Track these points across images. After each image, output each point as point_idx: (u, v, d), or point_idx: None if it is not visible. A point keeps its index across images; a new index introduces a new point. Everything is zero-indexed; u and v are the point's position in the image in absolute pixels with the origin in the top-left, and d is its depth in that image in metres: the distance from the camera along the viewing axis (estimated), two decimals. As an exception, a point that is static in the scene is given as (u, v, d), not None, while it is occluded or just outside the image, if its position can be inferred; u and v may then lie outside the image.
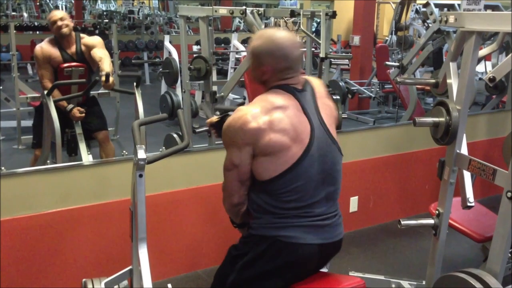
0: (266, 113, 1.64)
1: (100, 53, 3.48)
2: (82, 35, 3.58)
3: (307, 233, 1.69)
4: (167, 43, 6.13)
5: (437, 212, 2.20)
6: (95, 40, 3.58)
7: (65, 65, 3.40)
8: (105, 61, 3.43)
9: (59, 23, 3.39)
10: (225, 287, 1.82)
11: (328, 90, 1.91)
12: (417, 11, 6.97)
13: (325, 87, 1.90)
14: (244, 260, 1.77)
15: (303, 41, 7.77)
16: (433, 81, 2.51)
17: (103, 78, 3.23)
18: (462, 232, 2.57)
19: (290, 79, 1.74)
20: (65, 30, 3.42)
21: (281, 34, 1.72)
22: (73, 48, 3.50)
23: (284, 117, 1.64)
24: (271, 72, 1.72)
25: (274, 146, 1.63)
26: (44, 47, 3.43)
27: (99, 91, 4.57)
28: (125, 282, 2.28)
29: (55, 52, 3.42)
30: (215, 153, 2.98)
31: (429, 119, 2.10)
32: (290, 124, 1.65)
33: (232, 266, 1.81)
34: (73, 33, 3.49)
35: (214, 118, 1.99)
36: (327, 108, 1.79)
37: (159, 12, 10.89)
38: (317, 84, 1.85)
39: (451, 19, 2.06)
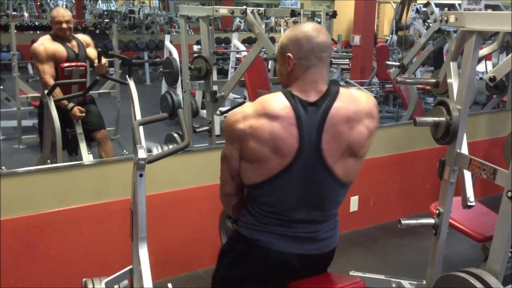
0: (256, 117, 1.55)
1: (95, 52, 3.68)
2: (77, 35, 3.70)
3: (285, 241, 1.66)
4: (167, 42, 6.13)
5: (437, 211, 2.20)
6: (90, 39, 3.77)
7: (66, 64, 3.41)
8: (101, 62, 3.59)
9: (64, 26, 3.45)
10: (215, 281, 1.84)
11: (375, 110, 1.65)
12: (417, 11, 6.96)
13: (371, 107, 1.63)
14: (229, 256, 1.79)
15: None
16: (434, 80, 2.51)
17: (96, 60, 3.38)
18: (463, 231, 2.57)
19: (313, 71, 1.58)
20: (68, 33, 3.50)
21: (306, 23, 1.65)
22: (74, 43, 3.56)
23: (267, 128, 1.53)
24: (294, 61, 1.58)
25: (254, 154, 1.57)
26: (47, 44, 3.44)
27: (100, 91, 4.57)
28: (125, 282, 2.29)
29: (59, 47, 3.46)
30: (215, 152, 2.97)
31: (430, 119, 2.10)
32: (271, 137, 1.53)
33: (221, 260, 1.84)
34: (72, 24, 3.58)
35: None
36: (340, 135, 1.57)
37: (159, 12, 10.89)
38: (343, 103, 1.58)
39: (452, 18, 2.06)
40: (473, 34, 1.98)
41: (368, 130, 1.62)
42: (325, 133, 1.55)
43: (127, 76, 2.90)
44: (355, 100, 1.61)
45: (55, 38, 3.49)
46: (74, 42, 3.57)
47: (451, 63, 2.19)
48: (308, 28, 1.59)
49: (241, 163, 1.64)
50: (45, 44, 3.44)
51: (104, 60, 3.34)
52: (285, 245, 1.67)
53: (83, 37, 3.75)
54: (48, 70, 3.42)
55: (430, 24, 4.33)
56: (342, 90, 1.61)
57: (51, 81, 3.34)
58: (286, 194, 1.62)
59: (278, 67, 1.68)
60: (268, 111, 1.54)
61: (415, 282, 2.71)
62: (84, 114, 3.45)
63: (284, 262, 1.68)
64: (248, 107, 1.59)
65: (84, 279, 2.27)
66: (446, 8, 4.20)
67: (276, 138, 1.53)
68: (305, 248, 1.69)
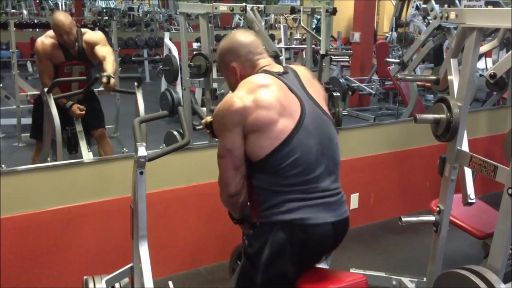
0: (251, 93, 1.69)
1: (104, 52, 3.40)
2: (84, 30, 3.49)
3: (319, 212, 1.70)
4: (167, 40, 6.11)
5: (438, 209, 2.19)
6: (98, 37, 3.48)
7: (66, 62, 3.39)
8: (109, 61, 3.35)
9: (65, 37, 3.32)
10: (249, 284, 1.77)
11: (314, 75, 1.94)
12: (417, 8, 6.95)
13: (310, 72, 1.93)
14: (265, 254, 1.70)
15: (303, 38, 7.78)
16: (434, 77, 2.50)
17: (104, 80, 3.14)
18: (463, 228, 2.57)
19: (261, 60, 1.80)
20: (67, 41, 3.37)
21: (231, 33, 1.86)
22: (74, 46, 3.46)
23: (268, 94, 1.68)
24: (239, 67, 1.79)
25: (263, 121, 1.65)
26: (46, 43, 3.36)
27: (100, 89, 4.56)
28: (126, 280, 2.29)
29: (57, 49, 3.38)
30: (215, 150, 2.95)
31: (430, 116, 2.09)
32: (276, 99, 1.67)
33: (254, 266, 1.74)
34: (75, 30, 3.40)
35: (209, 118, 2.00)
36: (314, 87, 1.83)
37: (159, 9, 10.87)
38: (300, 69, 1.87)
39: (452, 15, 2.05)
40: (474, 30, 1.97)
41: (318, 83, 1.92)
42: (308, 87, 1.78)
43: (135, 85, 3.22)
44: (296, 66, 1.90)
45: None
46: (75, 47, 3.43)
47: (451, 60, 2.18)
48: (236, 36, 1.82)
49: (248, 140, 1.68)
50: (44, 42, 3.35)
51: (113, 81, 3.17)
52: (321, 216, 1.70)
53: (93, 37, 3.47)
54: (45, 71, 3.37)
55: (430, 21, 4.33)
56: (287, 65, 1.89)
57: (48, 82, 3.29)
58: (306, 148, 1.68)
59: (227, 80, 1.86)
60: (260, 83, 1.70)
61: (416, 280, 2.72)
62: (83, 112, 3.43)
63: (325, 234, 1.71)
64: (237, 92, 1.72)
65: (84, 277, 2.27)
66: (446, 5, 4.19)
67: (281, 100, 1.67)
68: (335, 214, 1.74)
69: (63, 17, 3.35)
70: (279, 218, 1.69)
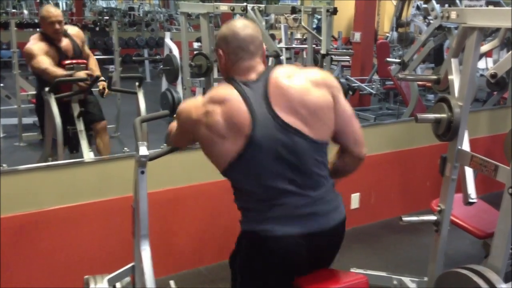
0: (204, 106, 1.63)
1: (88, 50, 3.62)
2: (65, 26, 3.52)
3: (283, 225, 1.63)
4: (167, 40, 6.12)
5: (438, 208, 2.20)
6: (81, 33, 3.62)
7: (67, 61, 3.39)
8: (93, 61, 3.58)
9: (57, 26, 3.35)
10: None
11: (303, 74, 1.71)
12: (418, 8, 6.96)
13: (298, 71, 1.71)
14: (238, 260, 1.75)
15: (304, 37, 7.78)
16: (435, 77, 2.51)
17: (102, 87, 3.33)
18: (464, 228, 2.57)
19: (243, 63, 1.68)
20: (60, 33, 3.40)
21: (236, 20, 1.76)
22: (65, 43, 3.46)
23: (218, 111, 1.60)
24: (225, 56, 1.70)
25: (211, 139, 1.63)
26: (39, 44, 3.33)
27: (100, 88, 4.56)
28: (128, 279, 2.28)
29: (50, 49, 3.37)
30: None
31: (431, 115, 2.10)
32: (224, 118, 1.60)
33: (233, 269, 1.79)
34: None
35: None
36: (288, 94, 1.63)
37: (159, 9, 10.87)
38: (282, 70, 1.69)
39: (453, 15, 2.06)
40: (475, 30, 1.98)
41: (318, 90, 1.66)
42: (271, 95, 1.63)
43: (136, 85, 3.31)
44: (292, 67, 1.72)
45: (46, 38, 3.38)
46: (66, 42, 3.46)
47: (452, 59, 2.19)
48: (235, 24, 1.72)
49: (206, 152, 1.69)
50: (35, 44, 3.33)
51: (106, 91, 3.36)
52: (284, 229, 1.63)
53: (75, 32, 3.59)
54: (47, 60, 3.29)
55: (431, 21, 4.33)
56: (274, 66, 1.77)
57: (55, 69, 3.25)
58: (259, 165, 1.62)
59: (218, 62, 1.80)
60: (215, 98, 1.64)
61: (417, 279, 2.72)
62: (89, 82, 3.38)
63: (291, 246, 1.64)
64: (198, 99, 1.69)
65: (85, 277, 2.27)
66: (446, 5, 4.19)
67: (228, 117, 1.60)
68: (306, 225, 1.65)
69: (53, 7, 3.49)
70: (245, 228, 1.71)
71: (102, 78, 3.45)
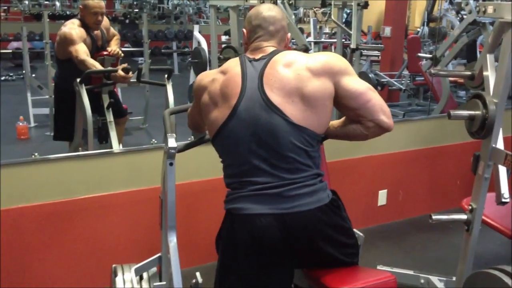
0: (212, 75, 1.77)
1: (113, 30, 3.75)
2: None
3: (254, 202, 1.66)
4: (196, 33, 6.13)
5: (470, 207, 2.15)
6: (106, 20, 3.67)
7: (98, 53, 3.44)
8: (115, 39, 3.69)
9: (99, 18, 3.42)
10: (216, 273, 1.81)
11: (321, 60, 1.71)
12: (450, 2, 6.80)
13: (318, 58, 1.72)
14: (221, 240, 1.81)
15: (332, 32, 7.71)
16: (469, 73, 2.45)
17: (121, 73, 3.27)
18: (495, 228, 2.52)
19: (257, 42, 1.78)
20: (99, 25, 3.48)
21: (262, 4, 1.90)
22: (98, 33, 3.54)
23: (218, 80, 1.73)
24: (247, 34, 1.83)
25: (205, 106, 1.75)
26: (78, 30, 3.35)
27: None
28: (154, 269, 2.31)
29: (87, 37, 3.42)
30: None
31: (465, 112, 2.05)
32: (220, 86, 1.72)
33: (217, 249, 1.86)
34: None
35: None
36: (283, 80, 1.66)
37: (188, 2, 10.91)
38: (283, 56, 1.71)
39: (490, 9, 2.00)
40: (512, 25, 1.92)
41: (316, 80, 1.67)
42: (266, 75, 1.69)
43: (165, 77, 3.35)
44: (296, 54, 1.74)
45: (83, 25, 3.41)
46: (98, 31, 3.53)
47: (487, 55, 2.13)
48: (261, 6, 1.85)
49: (205, 121, 1.79)
50: (75, 28, 3.35)
51: (120, 71, 3.29)
52: (256, 207, 1.65)
53: (106, 22, 3.65)
54: (84, 49, 3.29)
55: (464, 16, 4.23)
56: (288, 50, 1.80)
57: (93, 62, 3.26)
58: (236, 136, 1.67)
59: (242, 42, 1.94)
60: (223, 68, 1.77)
61: (445, 279, 2.67)
62: (130, 75, 3.39)
63: (264, 226, 1.64)
64: (214, 70, 1.84)
65: (113, 265, 2.30)
66: (481, -1, 4.09)
67: (224, 86, 1.71)
68: (277, 206, 1.65)
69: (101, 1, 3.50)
70: (225, 206, 1.79)
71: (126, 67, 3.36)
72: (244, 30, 1.85)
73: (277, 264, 1.70)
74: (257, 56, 1.75)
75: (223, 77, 1.73)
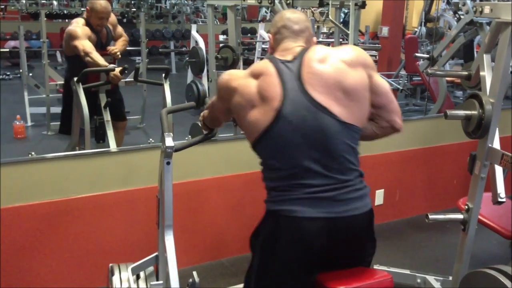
0: (243, 78, 1.72)
1: (120, 30, 3.76)
2: None
3: (306, 206, 1.62)
4: (194, 32, 6.14)
5: (466, 207, 2.16)
6: (114, 17, 3.73)
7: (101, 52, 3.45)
8: (122, 39, 3.72)
9: (104, 22, 3.49)
10: (251, 273, 1.78)
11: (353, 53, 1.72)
12: (448, 2, 6.82)
13: (347, 51, 1.73)
14: (259, 240, 1.74)
15: (330, 31, 7.71)
16: (465, 73, 2.46)
17: (117, 73, 3.30)
18: (491, 228, 2.52)
19: (285, 43, 1.77)
20: (103, 27, 3.56)
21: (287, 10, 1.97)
22: (103, 31, 3.59)
23: (253, 84, 1.69)
24: (272, 38, 1.84)
25: (243, 108, 1.69)
26: (83, 28, 3.42)
27: (126, 79, 4.60)
28: (151, 268, 2.31)
29: (92, 34, 3.47)
30: (240, 142, 2.97)
31: (461, 112, 2.05)
32: (257, 89, 1.67)
33: (253, 249, 1.80)
34: None
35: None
36: (322, 77, 1.65)
37: (186, 2, 10.90)
38: (315, 53, 1.71)
39: (487, 9, 2.01)
40: (509, 25, 1.93)
41: (353, 71, 1.68)
42: (304, 75, 1.67)
43: (163, 77, 3.37)
44: (325, 48, 1.75)
45: (87, 24, 3.48)
46: (104, 30, 3.59)
47: (484, 55, 2.14)
48: (284, 11, 1.91)
49: (240, 123, 1.75)
50: (80, 26, 3.43)
51: (117, 71, 3.31)
52: (308, 210, 1.62)
53: (113, 18, 3.72)
54: (88, 44, 3.35)
55: (461, 16, 4.23)
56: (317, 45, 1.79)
57: (100, 58, 3.30)
58: (284, 139, 1.63)
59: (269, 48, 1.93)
60: (253, 71, 1.72)
61: (441, 278, 2.68)
62: (121, 76, 3.44)
63: (313, 229, 1.62)
64: (240, 71, 1.80)
65: (110, 264, 2.30)
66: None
67: (262, 89, 1.66)
68: (328, 210, 1.62)
69: (106, 2, 3.54)
70: (270, 207, 1.70)
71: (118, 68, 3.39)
72: (270, 35, 1.86)
73: (317, 267, 1.71)
74: (289, 58, 1.73)
75: (258, 81, 1.68)
